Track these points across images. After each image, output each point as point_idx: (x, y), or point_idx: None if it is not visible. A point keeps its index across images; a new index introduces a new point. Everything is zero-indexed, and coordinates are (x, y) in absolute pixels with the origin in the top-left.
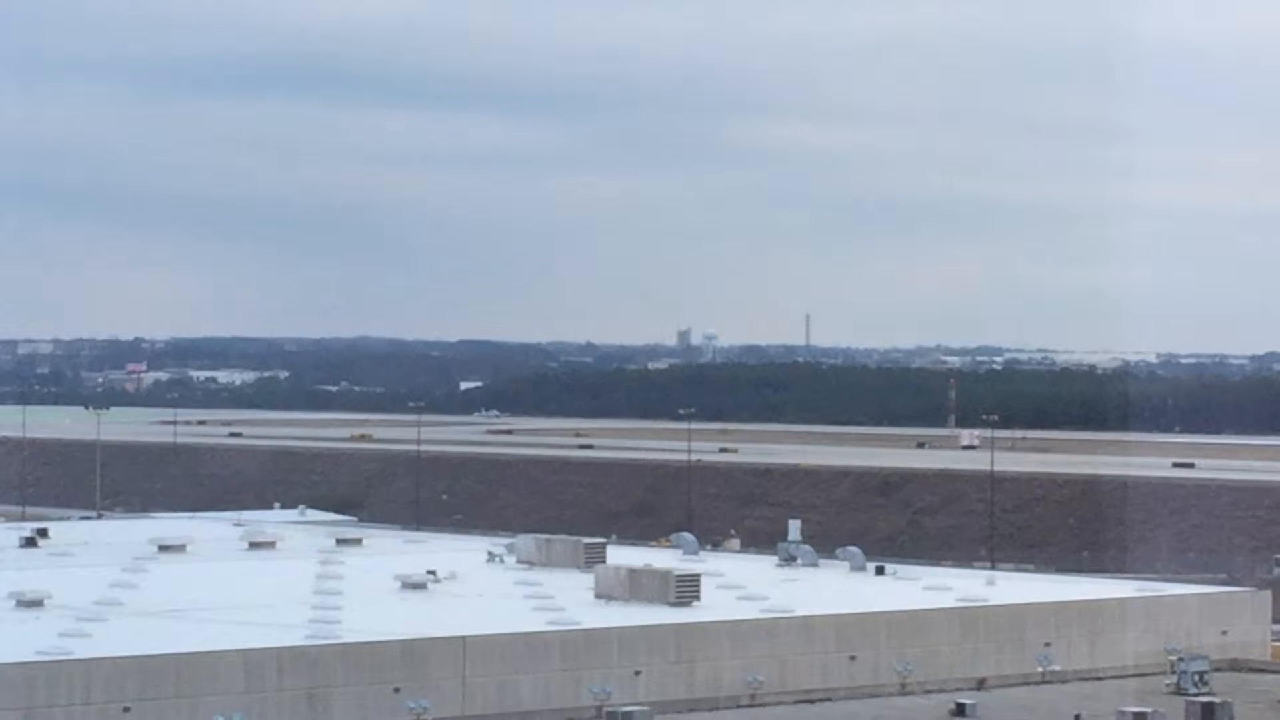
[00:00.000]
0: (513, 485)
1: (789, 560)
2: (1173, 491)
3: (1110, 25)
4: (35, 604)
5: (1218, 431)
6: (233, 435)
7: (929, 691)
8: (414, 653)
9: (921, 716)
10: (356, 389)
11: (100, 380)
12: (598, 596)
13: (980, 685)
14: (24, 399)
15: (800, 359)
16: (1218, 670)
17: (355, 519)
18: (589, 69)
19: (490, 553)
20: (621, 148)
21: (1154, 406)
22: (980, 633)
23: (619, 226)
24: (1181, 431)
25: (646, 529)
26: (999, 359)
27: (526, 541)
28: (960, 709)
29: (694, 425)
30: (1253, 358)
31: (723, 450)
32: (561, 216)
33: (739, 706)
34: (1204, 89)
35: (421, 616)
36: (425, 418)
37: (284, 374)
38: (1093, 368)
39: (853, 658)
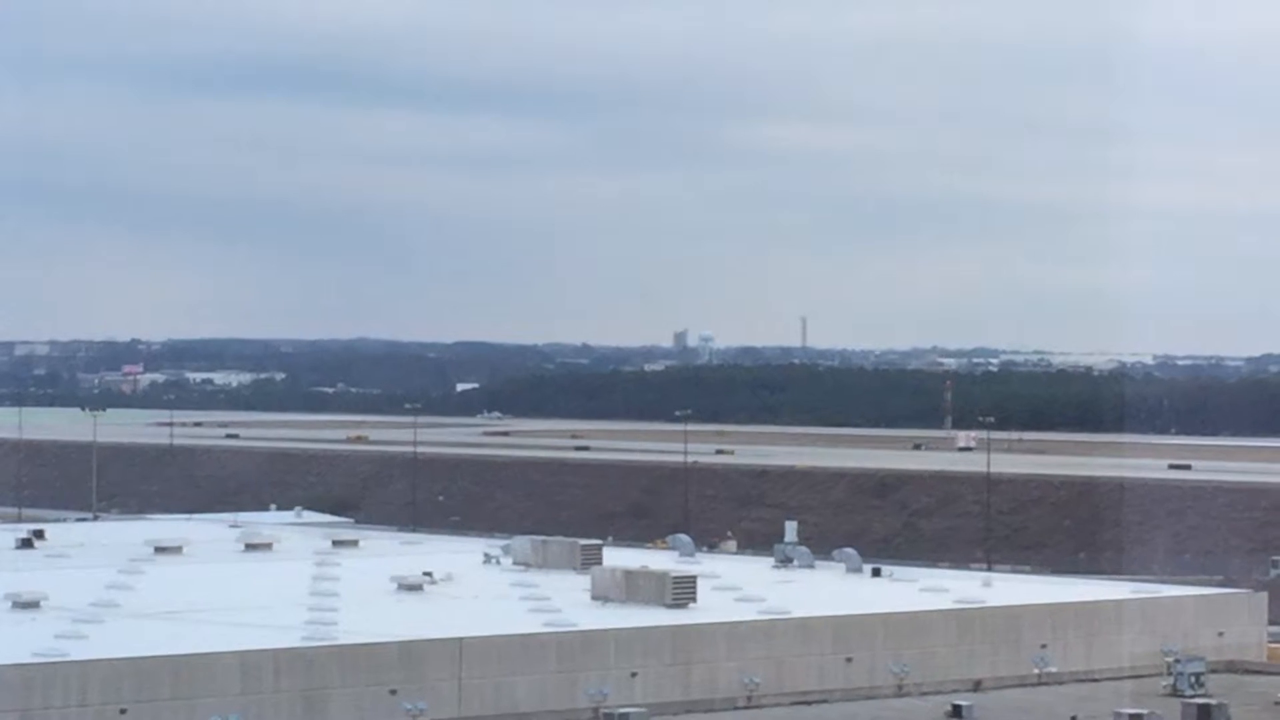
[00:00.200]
0: (509, 487)
1: (785, 562)
2: (1169, 493)
3: (1107, 25)
4: (32, 605)
5: (1214, 433)
6: (229, 437)
7: (925, 693)
8: (410, 654)
9: (918, 718)
10: (353, 390)
11: (96, 382)
12: (594, 598)
13: (977, 687)
14: (20, 400)
15: (797, 360)
16: (1214, 672)
17: (352, 520)
18: (587, 70)
19: (486, 554)
20: (618, 149)
21: (1150, 408)
22: (977, 634)
23: (615, 228)
24: (1178, 433)
25: (643, 530)
26: (995, 360)
27: (523, 543)
28: (957, 710)
29: (690, 427)
30: (1249, 359)
31: (719, 452)
32: (558, 218)
33: (736, 708)
34: (1202, 90)
35: (418, 618)
36: (421, 419)
37: (280, 375)
38: (1089, 369)
39: (849, 659)
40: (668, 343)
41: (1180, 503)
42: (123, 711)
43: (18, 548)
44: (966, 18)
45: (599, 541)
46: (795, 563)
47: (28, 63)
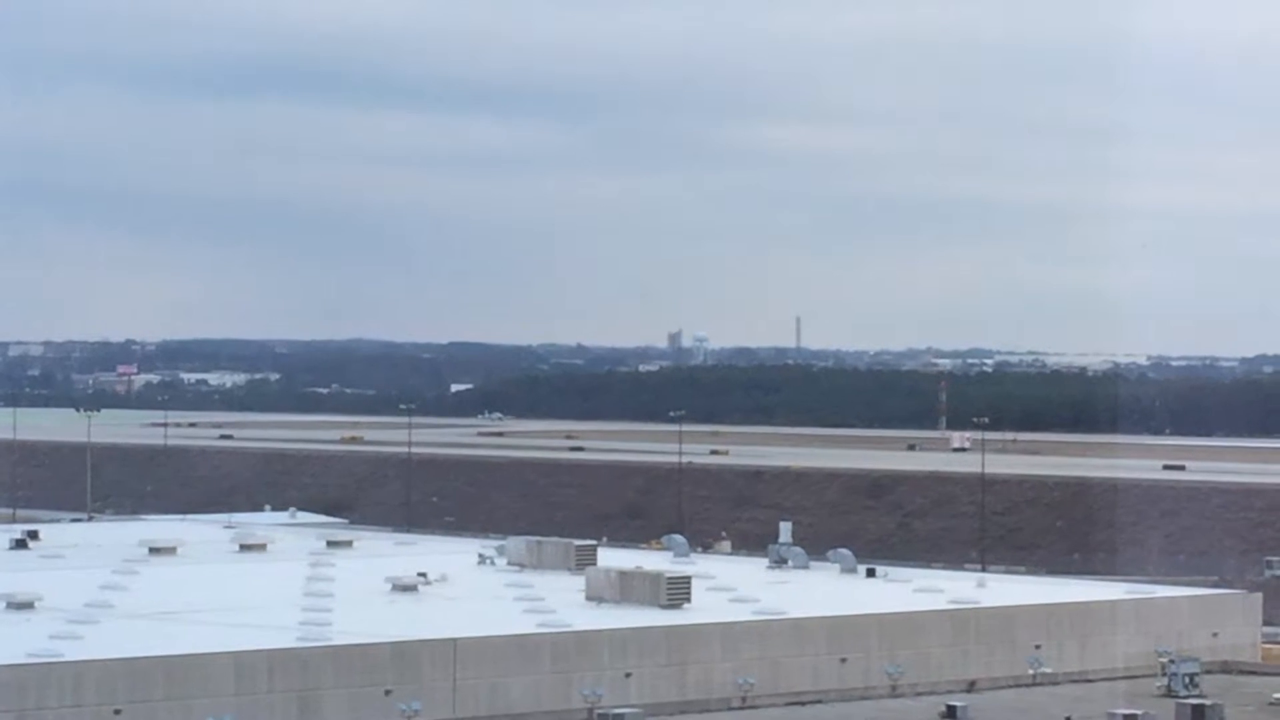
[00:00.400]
0: (504, 487)
1: (780, 562)
2: (1163, 494)
3: (1100, 26)
4: (26, 606)
5: (1208, 434)
6: (223, 437)
7: (920, 694)
8: (405, 655)
9: (912, 718)
10: (347, 391)
11: (91, 382)
12: (589, 599)
13: (971, 687)
14: (15, 401)
15: (791, 361)
16: (1208, 672)
17: (346, 521)
18: (583, 70)
19: (481, 555)
20: (613, 150)
21: (1145, 409)
22: (971, 635)
23: (610, 228)
24: (1172, 434)
25: (637, 531)
26: (990, 361)
27: (517, 543)
28: (951, 711)
29: (685, 427)
30: (1243, 360)
31: (714, 452)
32: (553, 218)
33: (730, 709)
34: (1199, 91)
35: (412, 619)
36: (416, 420)
37: (275, 376)
38: (1084, 370)
39: (844, 660)
40: (662, 343)
41: (1174, 503)
42: (117, 712)
43: (12, 548)
44: (962, 18)
45: (594, 542)
46: (790, 563)
47: (24, 62)
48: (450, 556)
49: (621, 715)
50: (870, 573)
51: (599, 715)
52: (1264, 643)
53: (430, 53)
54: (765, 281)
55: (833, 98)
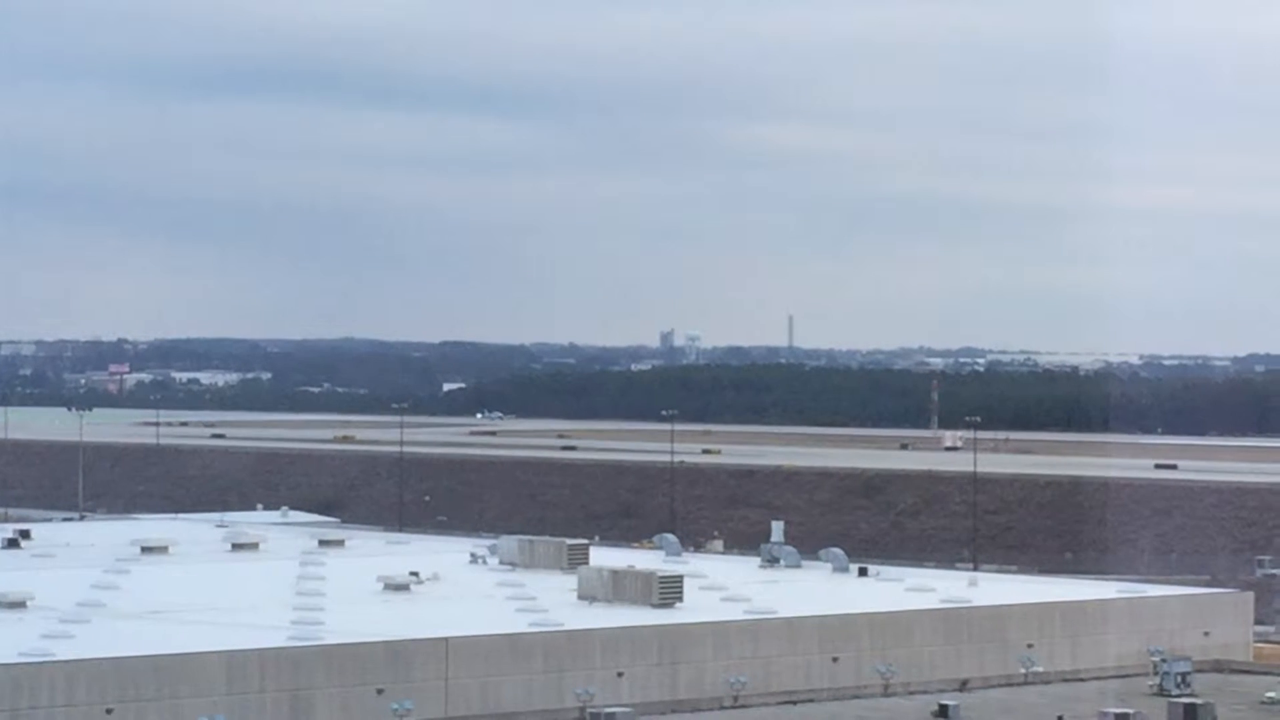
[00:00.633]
0: (496, 486)
1: (772, 562)
2: (1155, 493)
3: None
4: (18, 605)
5: (1200, 433)
6: (215, 437)
7: (912, 693)
8: (397, 654)
9: (904, 718)
10: (339, 390)
11: (83, 381)
12: (581, 598)
13: (963, 686)
14: (6, 400)
15: (783, 360)
16: (1200, 671)
17: (338, 520)
18: (577, 70)
19: (473, 554)
20: (606, 150)
21: (1136, 408)
22: (963, 634)
23: (602, 228)
24: (1164, 433)
25: (629, 530)
26: (982, 360)
27: (509, 543)
28: (943, 710)
29: (677, 427)
30: (1235, 359)
31: (706, 452)
32: (544, 218)
33: (722, 708)
34: (1194, 92)
35: (404, 618)
36: (408, 419)
37: (267, 375)
38: (1075, 369)
39: (835, 659)
40: (654, 343)
41: (1166, 502)
42: (109, 711)
43: (4, 547)
44: (952, 19)
45: (585, 541)
46: (782, 562)
47: (18, 61)
48: (442, 556)
49: (613, 714)
50: (862, 572)
51: (591, 714)
52: (1255, 642)
53: (422, 54)
54: (757, 281)
55: (827, 99)
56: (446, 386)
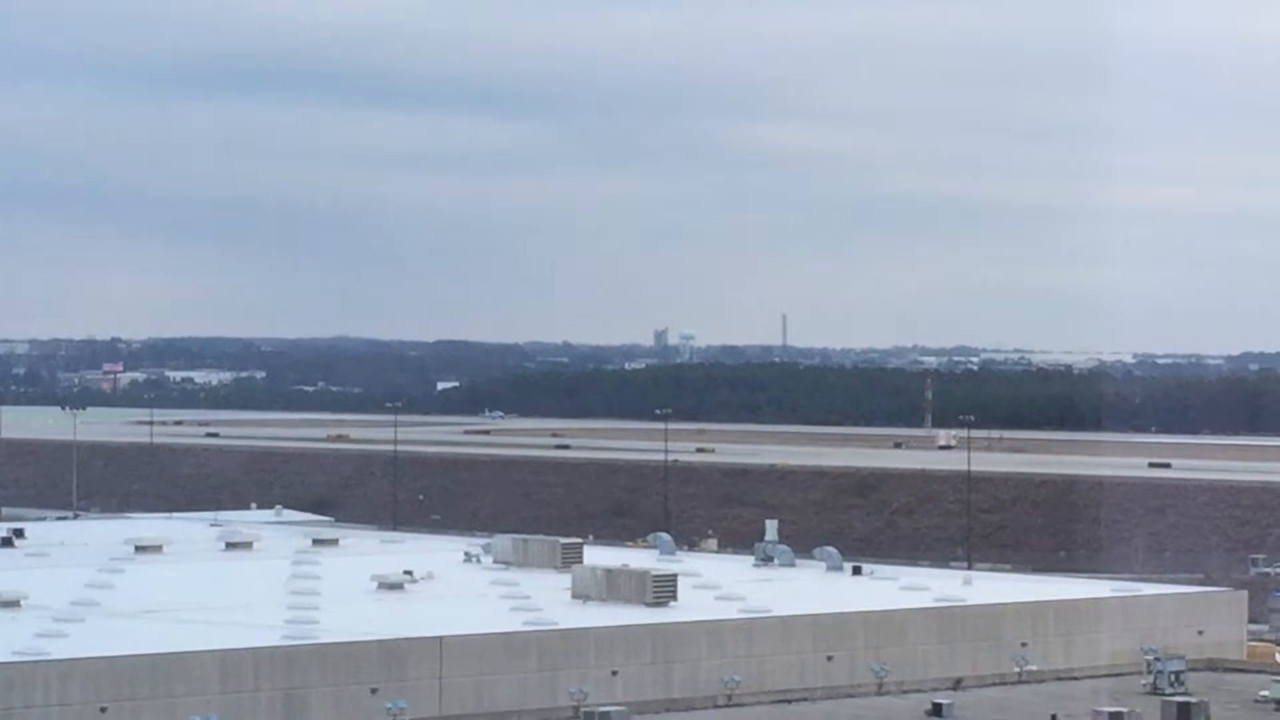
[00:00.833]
0: (490, 485)
1: (766, 560)
2: (1149, 491)
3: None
4: (12, 604)
5: (1194, 431)
6: (209, 435)
7: (906, 691)
8: (391, 653)
9: (898, 716)
10: (333, 389)
11: (77, 380)
12: (575, 597)
13: (957, 685)
14: (0, 399)
15: (777, 359)
16: (1194, 670)
17: (332, 519)
18: (567, 70)
19: (467, 553)
20: (600, 149)
21: (1130, 407)
22: (957, 633)
23: (596, 227)
24: (1158, 431)
25: (623, 529)
26: (975, 359)
27: (504, 542)
28: (937, 709)
29: (671, 425)
30: (1229, 358)
31: (700, 450)
32: (539, 217)
33: (716, 707)
34: (1189, 92)
35: (398, 617)
36: (402, 418)
37: (261, 374)
38: (1069, 368)
39: (830, 658)
40: (648, 341)
41: (1160, 501)
42: (103, 710)
43: None
44: (950, 19)
45: (579, 540)
46: (776, 561)
47: (15, 61)
48: (436, 554)
49: (607, 713)
50: (856, 571)
51: (585, 713)
52: (1249, 640)
53: (417, 53)
54: (752, 280)
55: (823, 99)
56: (441, 385)
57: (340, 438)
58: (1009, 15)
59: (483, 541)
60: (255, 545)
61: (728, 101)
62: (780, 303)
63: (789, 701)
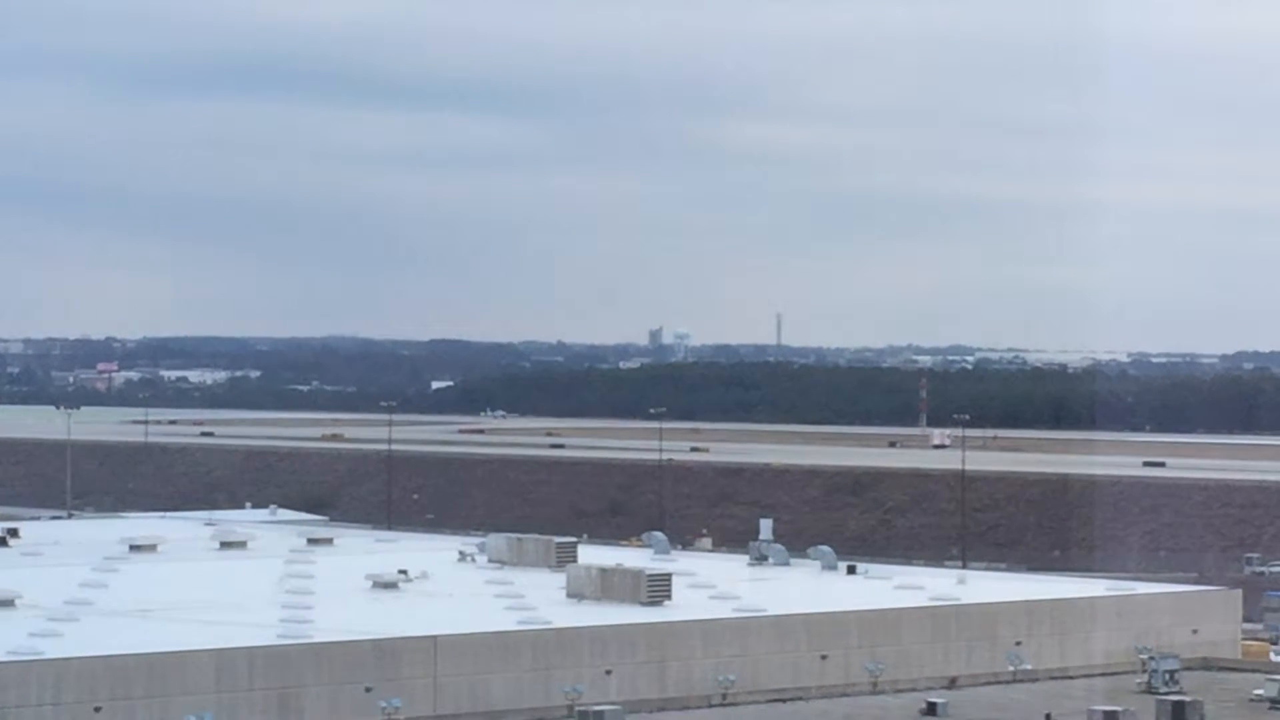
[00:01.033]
0: (484, 485)
1: (760, 559)
2: (1144, 490)
3: (1076, 24)
4: (6, 604)
5: (1188, 430)
6: (204, 435)
7: (900, 690)
8: (385, 652)
9: (893, 715)
10: (328, 389)
11: (71, 380)
12: (569, 596)
13: (951, 684)
14: None
15: (771, 358)
16: (1188, 669)
17: (326, 518)
18: (560, 69)
19: (461, 552)
20: (592, 147)
21: (1125, 406)
22: (951, 632)
23: (590, 226)
24: (1152, 430)
25: (618, 528)
26: (970, 358)
27: (498, 541)
28: (931, 708)
29: (665, 425)
30: (1223, 357)
31: (694, 450)
32: (533, 216)
33: (710, 706)
34: (1182, 90)
35: (393, 616)
36: (396, 417)
37: (255, 373)
38: (1064, 367)
39: (824, 657)
40: (643, 340)
41: (1154, 500)
42: (97, 709)
43: None
44: (938, 17)
45: (574, 539)
46: (770, 560)
47: (8, 59)
48: (431, 554)
49: (602, 712)
50: (851, 570)
51: (579, 712)
52: (1243, 639)
53: (410, 51)
54: (746, 279)
55: (805, 97)
56: (435, 384)
57: (335, 437)
58: (1001, 14)
59: (477, 541)
60: (250, 544)
61: (720, 100)
62: (775, 302)
63: (783, 701)
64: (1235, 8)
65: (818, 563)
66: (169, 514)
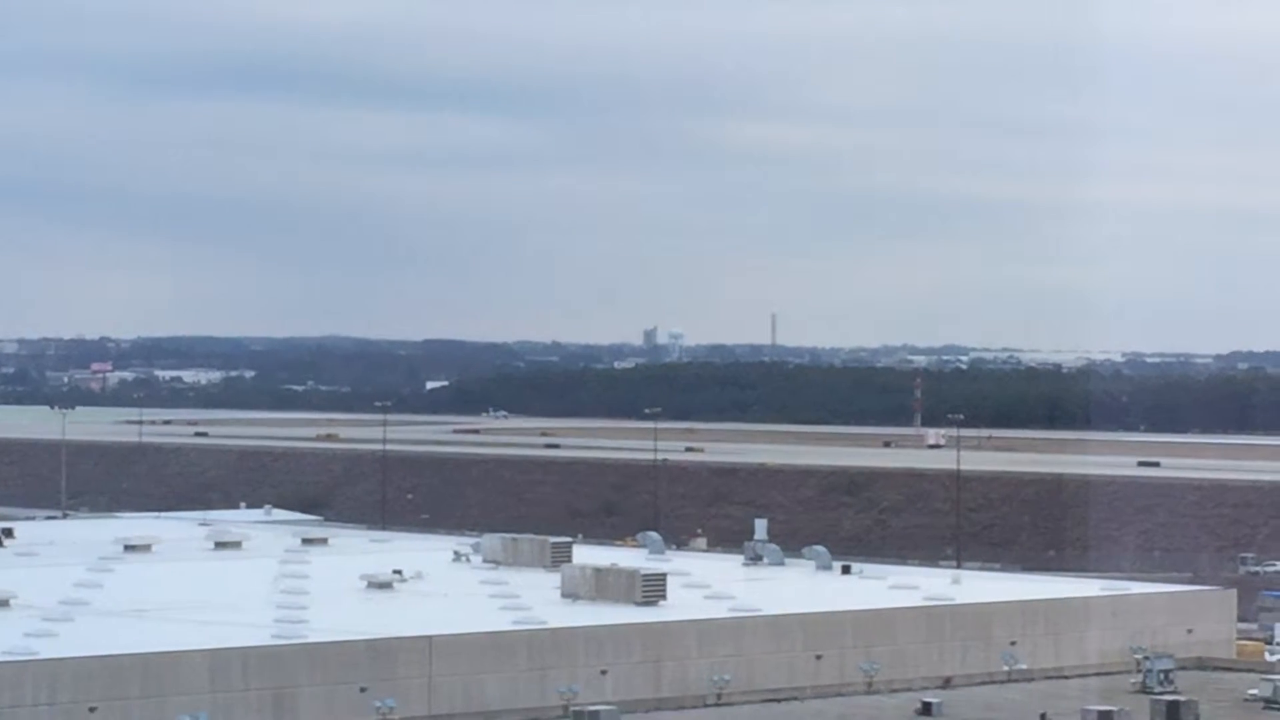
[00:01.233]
0: (479, 484)
1: (755, 559)
2: (1138, 490)
3: (1071, 23)
4: (0, 604)
5: (1183, 430)
6: (198, 435)
7: (895, 690)
8: (380, 652)
9: (888, 716)
10: (322, 388)
11: (65, 379)
12: (564, 596)
13: (946, 684)
14: None
15: (766, 358)
16: (1183, 669)
17: (321, 518)
18: (554, 68)
19: (456, 552)
20: (592, 147)
21: (1119, 405)
22: (946, 632)
23: (585, 226)
24: (1147, 430)
25: (613, 528)
26: (965, 358)
27: (493, 541)
28: (926, 708)
29: (660, 424)
30: (1217, 357)
31: (689, 449)
32: (528, 215)
33: (705, 706)
34: (1177, 89)
35: (388, 616)
36: (391, 417)
37: (250, 373)
38: (1058, 367)
39: (819, 657)
40: (637, 340)
41: (1149, 500)
42: (92, 710)
43: None
44: (932, 16)
45: (569, 539)
46: (765, 560)
47: (3, 58)
48: (425, 554)
49: (597, 712)
50: (845, 569)
51: (574, 712)
52: (1238, 639)
53: (410, 51)
54: (740, 279)
55: (799, 97)
56: (430, 384)
57: (329, 437)
58: (1001, 14)
59: (472, 540)
60: (244, 544)
61: (720, 100)
62: (769, 302)
63: (778, 700)
64: (1235, 8)
65: (812, 563)
66: (164, 514)
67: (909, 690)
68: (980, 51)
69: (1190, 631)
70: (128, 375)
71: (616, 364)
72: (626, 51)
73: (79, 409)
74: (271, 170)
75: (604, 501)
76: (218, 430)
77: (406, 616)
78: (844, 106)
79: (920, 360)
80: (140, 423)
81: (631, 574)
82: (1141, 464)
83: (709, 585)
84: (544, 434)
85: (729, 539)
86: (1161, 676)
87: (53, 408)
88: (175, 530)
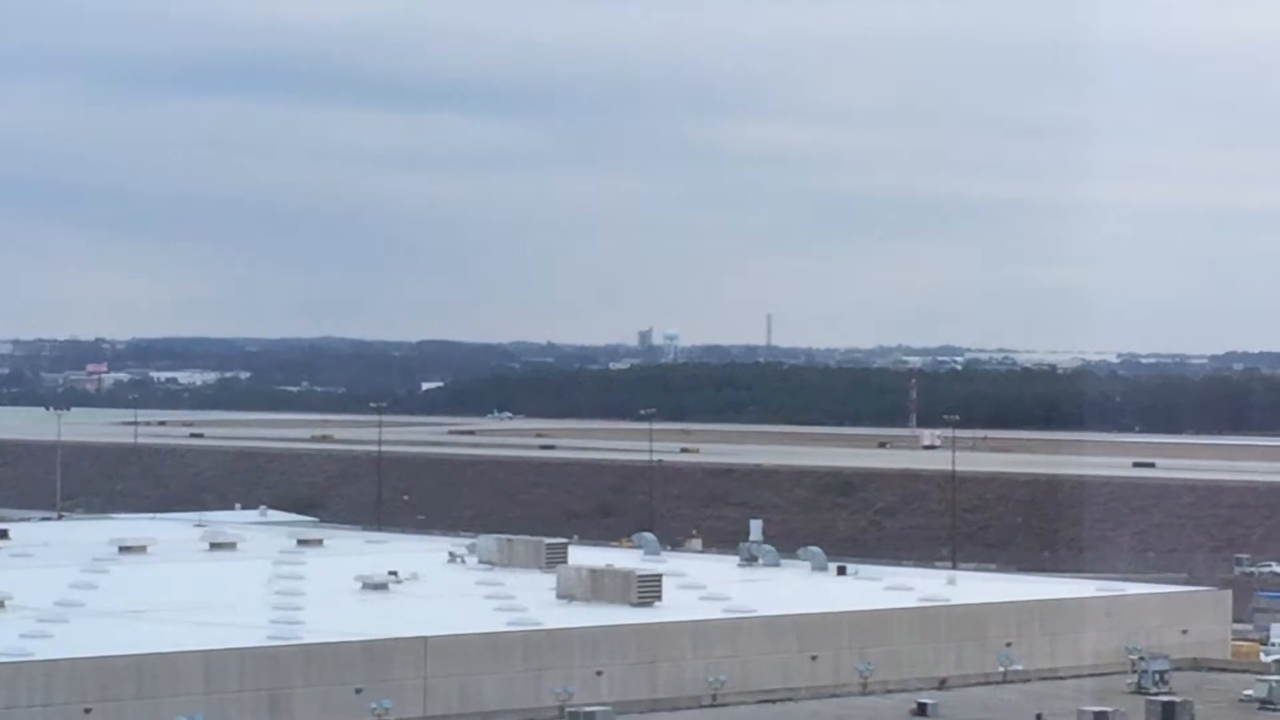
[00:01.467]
0: (474, 486)
1: (750, 560)
2: (1133, 491)
3: (1068, 24)
4: None
5: (1178, 431)
6: (193, 436)
7: (890, 691)
8: (376, 653)
9: (883, 716)
10: (318, 389)
11: (61, 381)
12: (559, 597)
13: (941, 685)
14: None
15: (761, 359)
16: (1178, 669)
17: (316, 520)
18: (549, 69)
19: (452, 553)
20: (592, 147)
21: (1114, 406)
22: (941, 632)
23: (580, 227)
24: (1142, 431)
25: (608, 529)
26: (960, 359)
27: (488, 542)
28: (921, 709)
29: (655, 425)
30: (1212, 357)
31: (684, 450)
32: (523, 217)
33: (701, 706)
34: (1172, 90)
35: (383, 617)
36: (386, 418)
37: (245, 374)
38: (1053, 368)
39: (814, 657)
40: (633, 341)
41: (1144, 501)
42: (87, 711)
43: None
44: (930, 17)
45: (564, 540)
46: (760, 561)
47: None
48: (421, 555)
49: (592, 713)
50: (841, 570)
51: (570, 713)
52: (1233, 639)
53: (410, 51)
54: (735, 279)
55: (793, 97)
56: (425, 385)
57: (325, 438)
58: (1001, 14)
59: (467, 542)
60: (239, 545)
61: (720, 100)
62: (764, 302)
63: (773, 701)
64: (1235, 8)
65: (808, 563)
66: (159, 515)
67: (904, 691)
68: (980, 51)
69: (1185, 632)
70: (123, 376)
71: (612, 365)
72: (626, 51)
73: (74, 410)
74: (271, 170)
75: (599, 502)
76: (213, 431)
77: (402, 617)
78: (844, 106)
79: (915, 361)
80: (135, 424)
81: (627, 575)
82: (1137, 465)
83: (704, 586)
84: (539, 435)
85: (724, 540)
86: (1156, 677)
87: (48, 409)
88: (170, 531)
